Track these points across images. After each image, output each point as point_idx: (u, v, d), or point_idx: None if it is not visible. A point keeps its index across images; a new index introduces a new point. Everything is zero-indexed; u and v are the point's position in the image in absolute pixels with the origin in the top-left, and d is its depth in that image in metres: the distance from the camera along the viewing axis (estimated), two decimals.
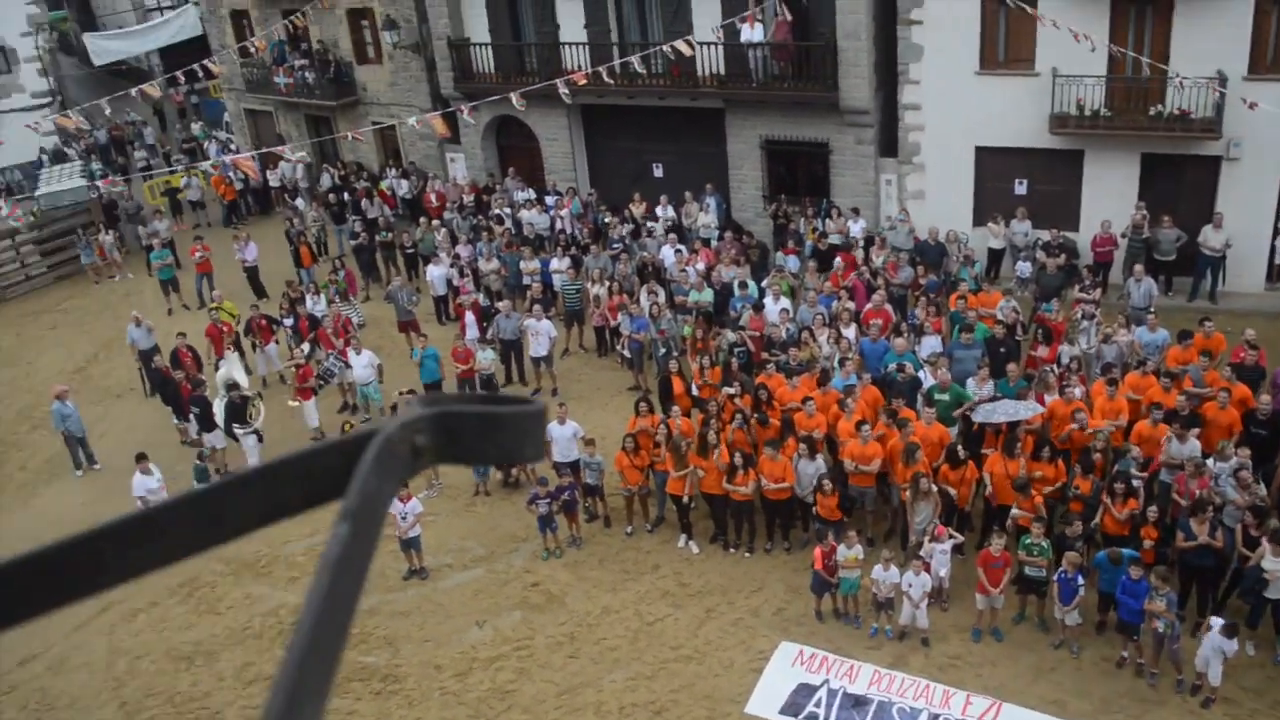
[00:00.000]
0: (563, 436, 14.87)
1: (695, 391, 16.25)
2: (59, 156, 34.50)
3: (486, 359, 17.77)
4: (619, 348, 18.79)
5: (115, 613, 14.34)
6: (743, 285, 18.16)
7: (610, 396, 18.30)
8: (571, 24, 23.07)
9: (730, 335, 17.01)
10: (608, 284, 18.99)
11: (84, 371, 21.77)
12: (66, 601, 0.73)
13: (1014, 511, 12.67)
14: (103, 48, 39.47)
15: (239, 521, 0.76)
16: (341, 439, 0.77)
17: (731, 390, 15.22)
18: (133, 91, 24.95)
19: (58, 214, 27.17)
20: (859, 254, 19.22)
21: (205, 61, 25.07)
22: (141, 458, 15.28)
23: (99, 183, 26.27)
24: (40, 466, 18.49)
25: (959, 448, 13.44)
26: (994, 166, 20.22)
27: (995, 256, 19.80)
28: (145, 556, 0.74)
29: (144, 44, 40.67)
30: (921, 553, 12.49)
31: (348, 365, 18.04)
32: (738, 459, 13.68)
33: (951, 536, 12.77)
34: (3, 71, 36.02)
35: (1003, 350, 15.44)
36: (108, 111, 26.65)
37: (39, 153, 34.45)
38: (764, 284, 18.32)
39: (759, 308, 17.52)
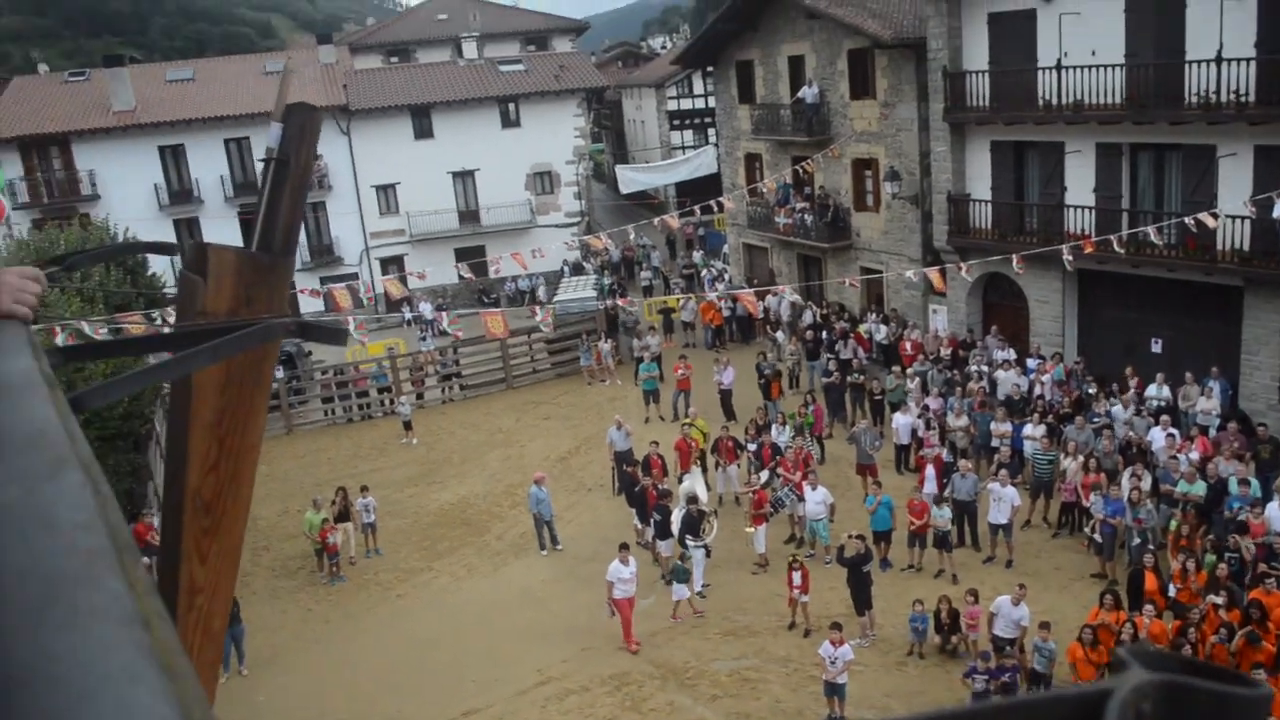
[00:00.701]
0: (1010, 613, 14.00)
1: (1172, 593, 14.55)
2: (577, 269, 38.80)
3: (942, 517, 17.15)
4: (1088, 529, 17.35)
5: (553, 688, 15.26)
6: (1244, 483, 16.13)
7: (1070, 580, 16.89)
8: (1080, 187, 22.26)
9: (1224, 538, 15.12)
10: (1084, 459, 17.71)
11: (565, 461, 23.83)
12: None
13: None
14: (630, 179, 44.20)
15: None
16: (1077, 693, 0.73)
17: (1218, 600, 13.45)
18: (654, 221, 27.52)
19: (568, 319, 30.36)
20: None
21: (720, 199, 27.11)
22: (624, 547, 16.26)
23: (619, 301, 28.99)
24: (514, 539, 20.34)
25: None
26: None
27: None
28: None
29: (666, 178, 45.04)
30: None
31: (801, 498, 18.24)
32: None
33: None
34: (547, 192, 41.31)
35: None
36: (631, 237, 29.57)
37: (562, 264, 38.98)
38: (1273, 485, 16.19)
39: (1261, 511, 15.45)
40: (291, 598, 18.98)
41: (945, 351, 23.90)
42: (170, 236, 37.05)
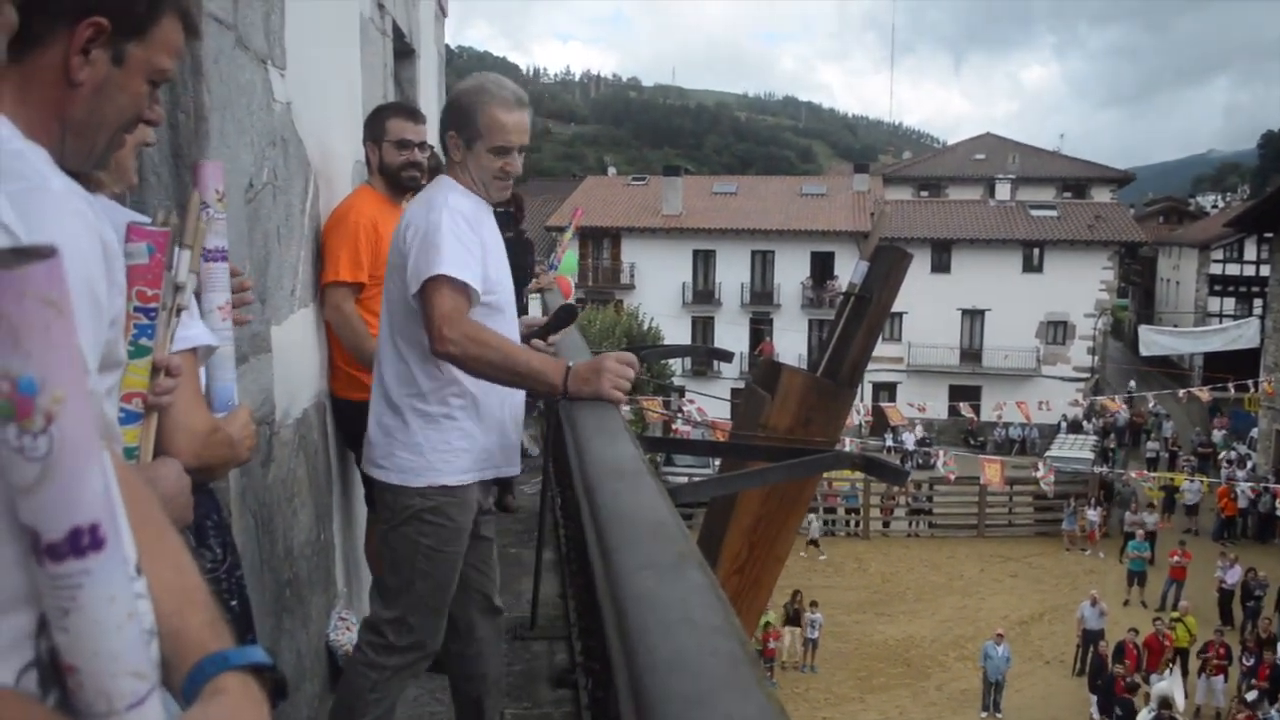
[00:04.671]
0: None
1: None
2: (1075, 427, 36.51)
3: None
4: None
5: None
6: None
7: None
8: None
9: None
10: None
11: (1024, 626, 22.32)
12: None
13: None
14: (1153, 341, 41.04)
15: None
16: None
17: None
18: (1180, 391, 25.36)
19: (1060, 478, 28.57)
20: None
21: (1259, 378, 24.37)
22: None
23: (1133, 473, 27.02)
24: (954, 694, 19.33)
25: None
26: None
27: None
28: None
29: (1195, 346, 41.33)
30: None
31: None
32: None
33: None
34: (1058, 342, 39.59)
35: None
36: (1151, 405, 27.47)
37: (1060, 419, 36.92)
38: None
39: None
40: None
41: None
42: (688, 332, 40.28)
